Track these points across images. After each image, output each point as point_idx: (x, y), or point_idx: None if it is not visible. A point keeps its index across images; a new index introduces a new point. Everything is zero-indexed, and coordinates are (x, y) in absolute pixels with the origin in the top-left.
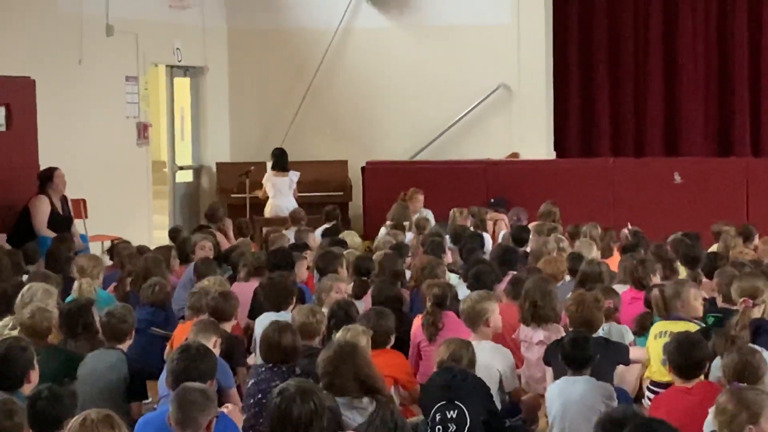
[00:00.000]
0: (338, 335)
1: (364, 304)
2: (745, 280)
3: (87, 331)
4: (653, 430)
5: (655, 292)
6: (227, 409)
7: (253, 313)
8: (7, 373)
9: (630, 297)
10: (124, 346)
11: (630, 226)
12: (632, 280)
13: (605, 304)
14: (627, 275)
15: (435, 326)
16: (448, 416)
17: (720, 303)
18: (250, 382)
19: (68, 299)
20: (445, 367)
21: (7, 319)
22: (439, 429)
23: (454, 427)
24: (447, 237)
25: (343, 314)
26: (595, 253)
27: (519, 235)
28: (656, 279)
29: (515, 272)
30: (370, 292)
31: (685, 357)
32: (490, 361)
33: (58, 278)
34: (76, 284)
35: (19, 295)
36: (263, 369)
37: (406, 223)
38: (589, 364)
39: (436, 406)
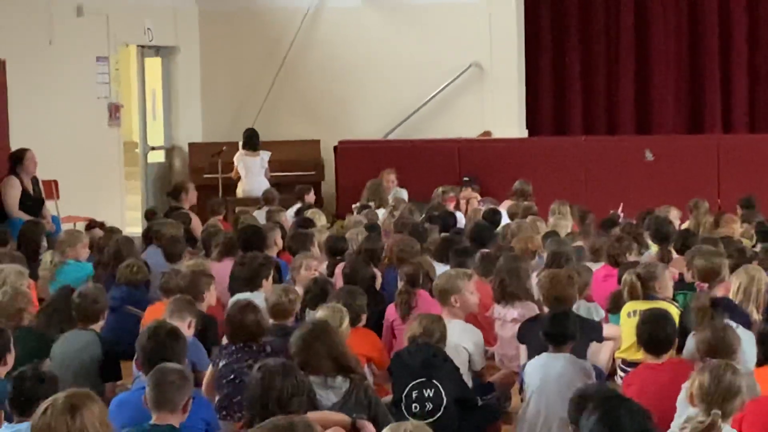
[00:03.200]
0: (318, 313)
1: (336, 284)
2: (705, 259)
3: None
4: (614, 407)
5: (630, 277)
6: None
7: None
8: None
9: (603, 274)
10: (97, 326)
11: (621, 212)
12: (607, 257)
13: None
14: (602, 252)
15: (408, 305)
16: (425, 395)
17: (688, 278)
18: (220, 363)
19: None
20: (423, 343)
21: None
22: (415, 407)
23: (431, 405)
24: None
25: (318, 291)
26: (568, 229)
27: (492, 217)
28: (632, 257)
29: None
30: (341, 271)
31: (653, 333)
32: (458, 341)
33: (24, 259)
34: (44, 257)
35: None
36: (233, 348)
37: (372, 203)
38: (570, 341)
39: (413, 383)
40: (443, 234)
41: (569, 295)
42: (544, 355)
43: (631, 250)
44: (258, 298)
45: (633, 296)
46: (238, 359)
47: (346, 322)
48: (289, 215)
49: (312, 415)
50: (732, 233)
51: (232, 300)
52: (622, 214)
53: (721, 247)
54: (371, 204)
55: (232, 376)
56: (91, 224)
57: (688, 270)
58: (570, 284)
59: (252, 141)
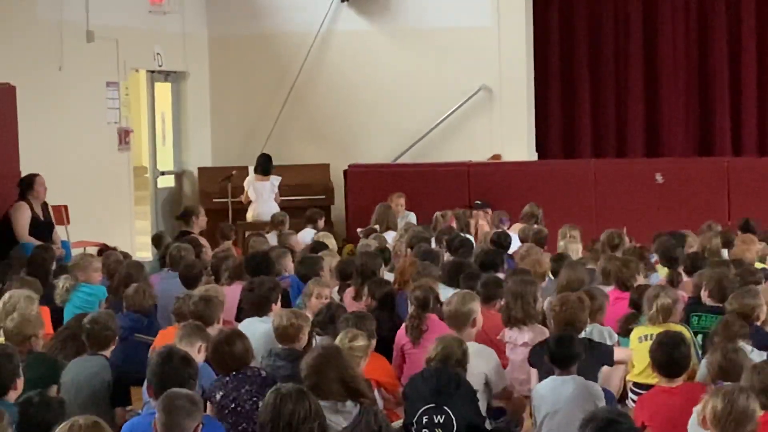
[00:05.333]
0: (338, 338)
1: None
2: (741, 299)
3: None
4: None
5: (665, 301)
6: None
7: (240, 316)
8: None
9: (614, 297)
10: (107, 351)
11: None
12: (616, 281)
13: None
14: (611, 276)
15: (419, 329)
16: (435, 421)
17: (706, 299)
18: (218, 396)
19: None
20: (437, 368)
21: None
22: None
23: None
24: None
25: (328, 315)
26: (579, 253)
27: (500, 241)
28: (640, 279)
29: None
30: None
31: (668, 355)
32: (475, 364)
33: (37, 283)
34: (58, 283)
35: (1, 303)
36: (227, 379)
37: (377, 226)
38: (574, 363)
39: (424, 408)
40: (452, 258)
41: (580, 319)
42: (551, 378)
43: (639, 273)
44: (267, 323)
45: (658, 321)
46: (235, 388)
47: (364, 343)
48: (300, 238)
49: None
50: (748, 254)
51: (243, 324)
52: (627, 239)
53: (732, 270)
54: (376, 227)
55: (233, 406)
56: (104, 249)
57: (705, 289)
58: (581, 308)
59: (264, 166)
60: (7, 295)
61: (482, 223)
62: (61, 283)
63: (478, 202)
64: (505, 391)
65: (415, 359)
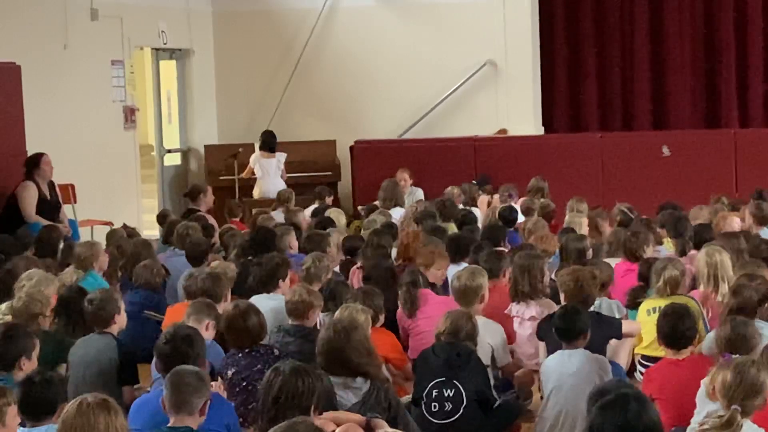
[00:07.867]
0: (336, 314)
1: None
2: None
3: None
4: (625, 402)
5: (672, 273)
6: (214, 387)
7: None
8: (2, 352)
9: (623, 269)
10: (114, 329)
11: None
12: (625, 252)
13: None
14: (620, 247)
15: (412, 303)
16: (445, 394)
17: None
18: (230, 372)
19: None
20: (448, 342)
21: (5, 305)
22: (434, 406)
23: (450, 406)
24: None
25: (327, 295)
26: (584, 227)
27: (508, 215)
28: (649, 251)
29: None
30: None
31: (673, 327)
32: (482, 337)
33: (54, 265)
34: (64, 277)
35: (19, 281)
36: (240, 356)
37: (377, 203)
38: (581, 336)
39: (434, 382)
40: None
41: (592, 293)
42: (558, 352)
43: (648, 244)
44: (275, 299)
45: (666, 293)
46: (247, 365)
47: (362, 319)
48: (308, 215)
49: (326, 415)
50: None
51: (253, 301)
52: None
53: (742, 242)
54: (377, 204)
55: (244, 384)
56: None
57: None
58: (593, 283)
59: (269, 142)
60: (25, 274)
61: (494, 198)
62: (69, 277)
63: (480, 177)
64: (507, 368)
65: (416, 332)
